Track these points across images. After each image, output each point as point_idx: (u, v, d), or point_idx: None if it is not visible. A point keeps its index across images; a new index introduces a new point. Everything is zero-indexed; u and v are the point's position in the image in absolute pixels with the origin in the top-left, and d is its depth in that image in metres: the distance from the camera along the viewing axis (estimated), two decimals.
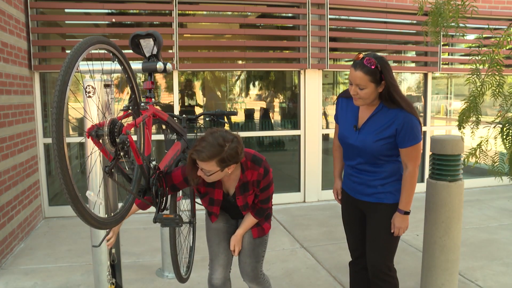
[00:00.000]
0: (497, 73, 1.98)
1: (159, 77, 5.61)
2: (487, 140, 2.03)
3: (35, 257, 3.79)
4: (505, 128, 1.90)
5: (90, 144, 2.25)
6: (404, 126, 2.07)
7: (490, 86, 2.00)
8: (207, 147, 1.84)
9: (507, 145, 1.92)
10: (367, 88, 2.03)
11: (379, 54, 2.09)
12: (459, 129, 2.22)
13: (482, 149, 2.08)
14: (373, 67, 1.99)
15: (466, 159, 2.21)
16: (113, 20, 5.23)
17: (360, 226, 2.37)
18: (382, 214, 2.22)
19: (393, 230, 2.20)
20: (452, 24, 2.26)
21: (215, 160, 1.85)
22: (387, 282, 2.28)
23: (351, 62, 2.10)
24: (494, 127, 1.97)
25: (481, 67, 2.05)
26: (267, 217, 2.28)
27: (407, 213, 2.18)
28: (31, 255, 3.82)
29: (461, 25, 2.25)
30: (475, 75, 2.05)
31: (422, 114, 6.27)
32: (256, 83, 6.27)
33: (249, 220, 2.19)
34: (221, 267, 2.31)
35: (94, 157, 2.29)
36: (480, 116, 2.12)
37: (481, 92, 2.04)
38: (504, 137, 1.90)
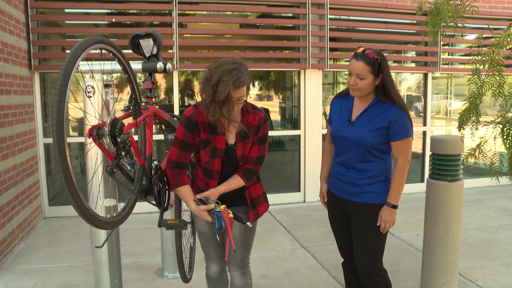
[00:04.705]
0: (497, 73, 1.98)
1: (159, 77, 5.61)
2: (486, 141, 2.03)
3: (35, 257, 3.79)
4: (505, 129, 1.90)
5: (97, 149, 2.25)
6: (397, 119, 2.12)
7: (490, 86, 2.00)
8: (238, 71, 1.81)
9: (507, 145, 1.92)
10: (366, 79, 2.10)
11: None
12: (459, 130, 2.22)
13: (481, 150, 2.08)
14: (373, 58, 2.07)
15: (465, 159, 2.22)
16: (113, 20, 5.23)
17: (347, 226, 2.37)
18: (366, 215, 2.23)
19: (379, 223, 2.20)
20: (451, 24, 2.26)
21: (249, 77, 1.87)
22: (379, 283, 2.28)
23: (352, 55, 2.15)
24: (494, 127, 1.97)
25: (481, 67, 2.05)
26: (263, 200, 2.22)
27: (394, 207, 2.18)
28: (31, 255, 3.82)
29: (459, 25, 2.25)
30: (476, 75, 2.05)
31: (422, 114, 6.27)
32: (256, 83, 6.28)
33: (234, 181, 2.04)
34: (215, 263, 2.34)
35: (101, 161, 2.29)
36: (479, 116, 2.12)
37: (480, 93, 2.04)
38: (505, 137, 1.90)
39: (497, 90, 1.97)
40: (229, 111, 1.83)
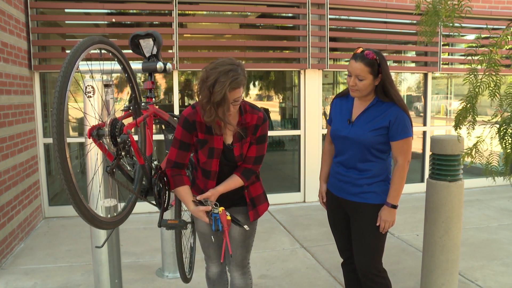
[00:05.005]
0: (494, 73, 1.98)
1: (159, 77, 5.61)
2: (483, 140, 2.03)
3: (35, 257, 3.79)
4: (502, 128, 1.90)
5: (97, 150, 2.26)
6: (397, 119, 2.13)
7: (487, 86, 2.00)
8: (235, 72, 1.80)
9: (504, 145, 1.92)
10: (366, 79, 2.11)
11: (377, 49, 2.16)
12: (455, 129, 2.22)
13: (478, 149, 2.07)
14: (372, 59, 2.07)
15: (461, 159, 2.21)
16: (113, 20, 5.23)
17: (346, 226, 2.37)
18: (366, 216, 2.22)
19: (378, 223, 2.20)
20: (446, 23, 2.25)
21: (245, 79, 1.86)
22: (379, 283, 2.28)
23: (351, 55, 2.15)
24: (491, 127, 1.97)
25: (478, 67, 2.05)
26: (263, 199, 2.22)
27: (394, 207, 2.18)
28: (31, 255, 3.83)
29: (456, 24, 2.25)
30: (472, 75, 2.05)
31: (422, 114, 6.27)
32: (256, 83, 6.28)
33: (233, 181, 2.04)
34: (215, 263, 2.34)
35: (101, 161, 2.30)
36: (476, 116, 2.12)
37: (477, 93, 2.04)
38: (501, 137, 1.89)
39: (494, 90, 1.97)
40: (224, 112, 1.82)
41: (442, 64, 5.99)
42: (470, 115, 2.10)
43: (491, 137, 1.96)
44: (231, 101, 1.83)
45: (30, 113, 4.66)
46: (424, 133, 6.21)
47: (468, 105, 2.08)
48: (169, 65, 2.16)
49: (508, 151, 1.91)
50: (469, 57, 2.07)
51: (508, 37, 1.97)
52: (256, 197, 2.17)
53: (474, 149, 2.06)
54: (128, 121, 1.80)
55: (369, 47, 2.15)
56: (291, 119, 6.06)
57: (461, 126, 2.19)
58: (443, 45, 6.00)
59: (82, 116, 2.27)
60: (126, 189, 1.83)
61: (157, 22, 5.39)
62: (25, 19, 4.60)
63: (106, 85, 2.33)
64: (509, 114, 1.93)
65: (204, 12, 5.58)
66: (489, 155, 2.04)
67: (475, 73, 2.05)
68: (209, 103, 1.80)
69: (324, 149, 2.51)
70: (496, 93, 1.97)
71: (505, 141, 1.90)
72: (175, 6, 4.96)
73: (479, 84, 2.02)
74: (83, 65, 2.26)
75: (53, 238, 4.30)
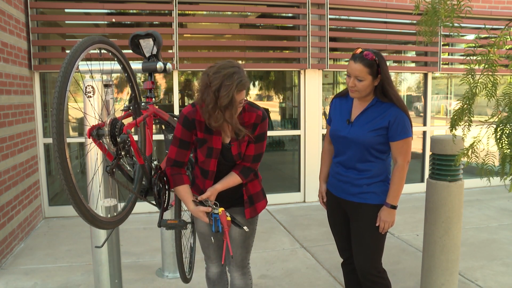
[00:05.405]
0: (491, 73, 1.97)
1: (159, 77, 5.61)
2: (479, 140, 2.03)
3: (35, 257, 3.79)
4: (498, 129, 1.89)
5: (97, 150, 2.26)
6: (396, 119, 2.13)
7: (484, 86, 1.99)
8: (238, 74, 1.80)
9: (500, 146, 1.91)
10: (365, 80, 2.10)
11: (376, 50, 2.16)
12: (451, 130, 2.22)
13: (474, 149, 2.07)
14: (371, 59, 2.07)
15: (457, 159, 2.21)
16: (113, 20, 5.23)
17: (346, 227, 2.37)
18: (365, 216, 2.22)
19: (378, 224, 2.20)
20: (446, 23, 2.25)
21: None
22: (378, 284, 2.28)
23: (350, 56, 2.15)
24: (487, 127, 1.96)
25: (476, 67, 2.05)
26: (261, 196, 2.22)
27: (393, 207, 2.18)
28: (31, 255, 3.83)
29: (456, 24, 2.24)
30: (470, 75, 2.05)
31: (422, 114, 6.28)
32: (256, 83, 6.28)
33: (231, 178, 2.04)
34: (215, 264, 2.34)
35: (101, 161, 2.29)
36: (472, 117, 2.12)
37: (474, 93, 2.03)
38: (498, 137, 1.89)
39: (491, 90, 1.97)
40: (231, 115, 1.82)
41: (442, 64, 5.99)
42: (467, 116, 2.09)
43: (488, 137, 1.95)
44: (238, 103, 1.83)
45: (30, 113, 4.66)
46: (424, 133, 6.21)
47: (464, 106, 2.08)
48: (169, 65, 2.16)
49: (506, 151, 1.90)
50: (468, 57, 2.07)
51: (507, 37, 1.97)
52: (255, 194, 2.17)
53: (470, 149, 2.05)
54: (128, 121, 1.80)
55: (369, 47, 2.15)
56: (291, 119, 6.07)
57: (456, 127, 2.19)
58: (443, 45, 6.00)
59: (82, 116, 2.27)
60: (126, 189, 1.83)
61: (157, 22, 5.39)
62: (25, 19, 4.60)
63: (106, 85, 2.33)
64: (506, 114, 1.92)
65: (204, 12, 5.59)
66: (485, 155, 2.04)
67: (473, 73, 2.04)
68: (216, 107, 1.80)
69: (323, 149, 2.51)
70: (493, 93, 1.97)
71: (502, 141, 1.89)
72: (175, 6, 4.96)
73: (476, 84, 2.01)
74: (83, 65, 2.26)
75: (53, 238, 4.30)
